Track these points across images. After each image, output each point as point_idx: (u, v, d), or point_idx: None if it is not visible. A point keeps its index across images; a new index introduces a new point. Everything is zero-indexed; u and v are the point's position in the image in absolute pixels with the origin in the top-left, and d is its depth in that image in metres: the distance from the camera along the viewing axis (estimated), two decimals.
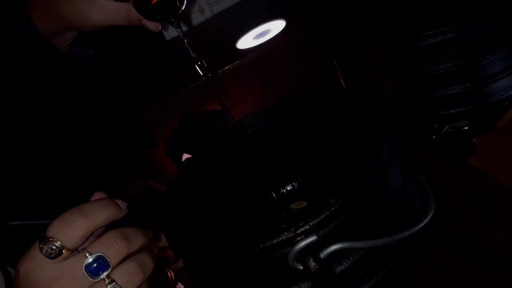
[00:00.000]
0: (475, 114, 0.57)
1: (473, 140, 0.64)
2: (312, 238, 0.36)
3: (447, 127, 0.60)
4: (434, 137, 0.62)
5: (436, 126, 0.61)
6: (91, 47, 0.71)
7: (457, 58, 0.54)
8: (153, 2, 0.51)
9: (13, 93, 0.62)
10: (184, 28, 0.82)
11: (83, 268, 0.33)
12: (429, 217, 0.41)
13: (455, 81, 0.55)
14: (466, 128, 0.59)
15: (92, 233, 0.34)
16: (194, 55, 0.54)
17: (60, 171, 0.68)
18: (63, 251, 0.33)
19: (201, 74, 0.55)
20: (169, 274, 0.54)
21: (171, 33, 0.96)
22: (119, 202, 0.36)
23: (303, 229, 0.36)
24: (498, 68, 0.54)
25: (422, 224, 0.40)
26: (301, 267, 0.36)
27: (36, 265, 0.34)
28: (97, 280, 0.34)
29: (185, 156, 0.75)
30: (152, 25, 0.55)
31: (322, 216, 0.36)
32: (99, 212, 0.34)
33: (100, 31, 0.58)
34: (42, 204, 0.63)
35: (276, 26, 0.80)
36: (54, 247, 0.32)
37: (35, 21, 0.57)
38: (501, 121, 0.62)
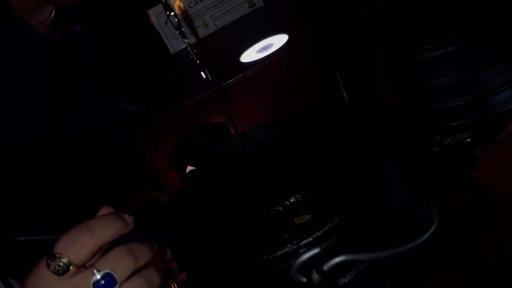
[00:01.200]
0: (477, 126, 0.57)
1: (475, 152, 0.64)
2: (315, 251, 0.36)
3: (449, 139, 0.60)
4: (436, 149, 0.62)
5: (438, 138, 0.61)
6: (77, 23, 0.71)
7: (458, 71, 0.54)
8: None
9: (13, 93, 0.62)
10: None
11: (91, 285, 0.33)
12: (432, 229, 0.41)
13: (457, 94, 0.55)
14: (468, 140, 0.59)
15: (100, 248, 0.34)
16: (197, 61, 0.53)
17: (60, 171, 0.68)
18: (71, 267, 0.33)
19: (208, 80, 0.54)
20: (172, 286, 0.54)
21: (176, 47, 0.98)
22: (126, 216, 0.36)
23: (306, 241, 0.36)
24: (500, 80, 0.54)
25: (426, 236, 0.40)
26: (305, 280, 0.36)
27: (43, 282, 0.33)
28: None
29: (189, 168, 0.76)
30: None
31: (325, 228, 0.36)
32: (106, 227, 0.34)
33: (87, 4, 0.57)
34: (42, 204, 0.63)
35: (278, 40, 0.80)
36: (61, 264, 0.32)
37: (14, 1, 0.56)
38: (503, 133, 0.63)
